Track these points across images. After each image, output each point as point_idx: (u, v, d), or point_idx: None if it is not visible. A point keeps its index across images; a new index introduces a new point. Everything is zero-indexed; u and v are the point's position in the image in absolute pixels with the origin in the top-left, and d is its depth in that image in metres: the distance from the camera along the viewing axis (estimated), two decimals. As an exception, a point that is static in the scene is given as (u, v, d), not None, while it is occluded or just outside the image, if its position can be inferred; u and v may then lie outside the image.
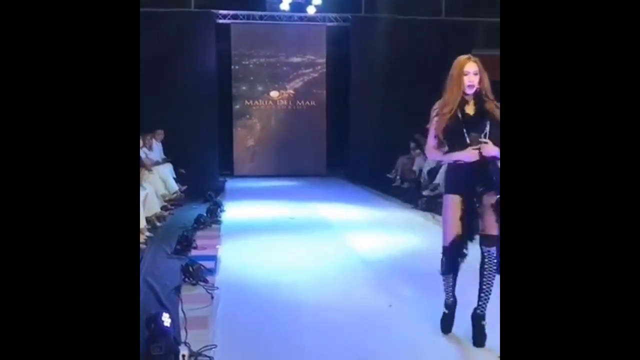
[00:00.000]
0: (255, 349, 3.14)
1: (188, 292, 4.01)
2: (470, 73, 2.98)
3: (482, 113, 3.01)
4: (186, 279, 4.21)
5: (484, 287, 3.08)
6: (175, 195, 8.27)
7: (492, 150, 2.95)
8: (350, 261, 5.15)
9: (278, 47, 12.29)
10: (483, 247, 3.03)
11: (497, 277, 3.05)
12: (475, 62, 3.01)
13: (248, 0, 12.11)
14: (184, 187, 8.71)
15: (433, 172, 8.69)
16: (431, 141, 3.14)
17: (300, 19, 11.94)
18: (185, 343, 3.00)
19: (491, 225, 2.99)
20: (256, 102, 12.43)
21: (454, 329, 3.23)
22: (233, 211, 7.73)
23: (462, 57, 3.04)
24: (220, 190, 9.88)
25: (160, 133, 9.22)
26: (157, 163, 8.50)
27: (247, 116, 12.46)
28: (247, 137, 12.47)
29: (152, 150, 8.73)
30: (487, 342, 3.08)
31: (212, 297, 3.92)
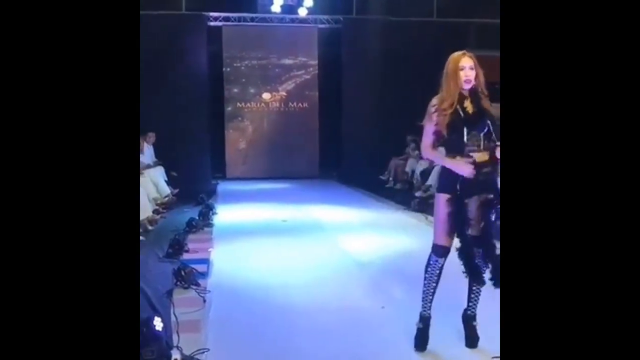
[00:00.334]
0: (248, 352, 3.12)
1: (180, 295, 3.99)
2: (466, 68, 2.92)
3: (481, 111, 2.95)
4: (178, 283, 4.18)
5: (474, 287, 3.08)
6: (167, 198, 8.23)
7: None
8: (343, 263, 5.14)
9: (270, 49, 12.29)
10: (473, 247, 3.02)
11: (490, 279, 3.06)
12: (470, 57, 2.95)
13: (239, 3, 12.10)
14: (176, 190, 8.67)
15: (426, 174, 8.71)
16: (428, 139, 3.04)
17: (292, 20, 11.94)
18: (178, 347, 2.98)
19: (481, 226, 2.97)
20: (248, 104, 12.42)
21: (446, 330, 3.22)
22: (225, 214, 7.71)
23: (457, 53, 2.98)
24: (212, 193, 9.86)
25: (151, 136, 9.18)
26: (148, 166, 8.46)
27: (239, 118, 12.44)
28: (239, 139, 12.45)
29: (143, 153, 8.68)
30: (480, 343, 3.09)
31: (205, 301, 3.90)
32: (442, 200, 2.99)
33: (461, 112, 2.92)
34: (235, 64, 12.30)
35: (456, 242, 3.03)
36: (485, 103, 2.98)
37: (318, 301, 4.00)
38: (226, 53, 12.13)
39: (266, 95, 12.46)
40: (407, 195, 8.71)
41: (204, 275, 4.50)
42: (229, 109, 12.35)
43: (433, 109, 2.97)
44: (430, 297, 3.06)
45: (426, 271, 3.05)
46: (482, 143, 2.93)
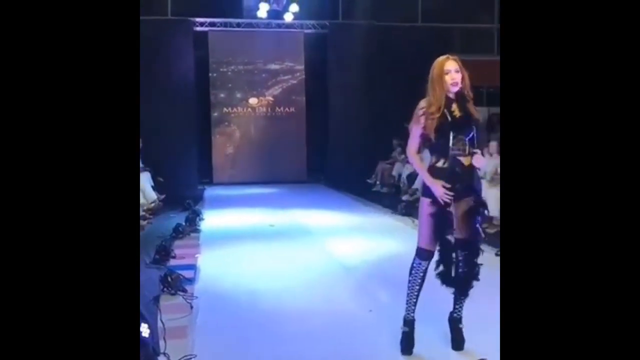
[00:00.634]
0: (235, 358, 3.12)
1: (167, 302, 3.96)
2: (451, 71, 2.92)
3: (467, 115, 2.96)
4: (165, 289, 4.16)
5: (458, 290, 3.09)
6: (153, 204, 8.18)
7: (482, 162, 2.95)
8: (330, 267, 5.15)
9: (256, 54, 12.29)
10: (458, 251, 3.04)
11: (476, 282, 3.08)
12: (454, 60, 2.96)
13: (225, 8, 12.09)
14: (162, 196, 8.62)
15: (412, 177, 8.75)
16: (413, 142, 3.04)
17: (278, 26, 11.96)
18: (165, 353, 2.97)
19: (465, 230, 3.00)
20: (235, 109, 12.41)
21: (432, 333, 3.24)
22: (212, 219, 7.69)
23: (441, 58, 2.99)
24: (199, 198, 9.82)
25: (137, 141, 9.12)
26: (134, 172, 8.40)
27: (226, 123, 12.42)
28: (226, 144, 12.43)
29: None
30: (466, 346, 3.11)
31: (192, 307, 3.88)
32: (426, 204, 3.01)
33: (449, 116, 2.93)
34: (221, 69, 12.29)
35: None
36: (471, 107, 3.00)
37: (305, 305, 4.00)
38: (212, 58, 12.12)
39: (253, 100, 12.46)
40: (393, 199, 8.76)
41: (191, 281, 4.48)
42: (216, 114, 12.33)
43: (421, 112, 2.97)
44: (414, 300, 3.07)
45: (410, 274, 3.07)
46: (467, 148, 2.94)
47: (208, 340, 3.34)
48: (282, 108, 12.56)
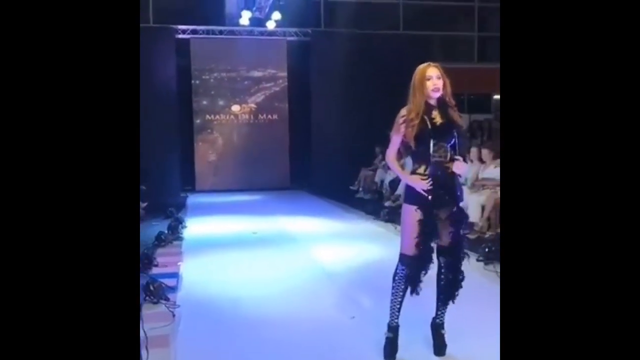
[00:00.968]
0: (218, 366, 3.10)
1: (149, 310, 3.93)
2: (433, 77, 2.94)
3: (448, 122, 2.97)
4: (147, 298, 4.13)
5: (441, 296, 3.12)
6: (135, 212, 8.11)
7: (462, 168, 2.97)
8: (313, 274, 5.15)
9: (238, 61, 12.29)
10: (440, 258, 3.07)
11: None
12: (436, 67, 2.98)
13: (207, 15, 12.08)
14: (145, 204, 8.55)
15: (394, 183, 8.80)
16: (392, 149, 3.07)
17: (261, 33, 11.97)
18: (146, 363, 2.95)
19: (448, 237, 3.02)
20: (217, 116, 12.38)
21: (414, 339, 3.26)
22: (195, 227, 7.64)
23: (423, 65, 3.00)
24: (181, 206, 9.76)
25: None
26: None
27: (209, 131, 12.38)
28: (208, 151, 12.38)
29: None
30: (447, 351, 3.13)
31: (174, 315, 3.86)
32: (408, 211, 3.03)
33: (428, 123, 2.95)
34: (204, 77, 12.26)
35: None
36: (454, 114, 3.01)
37: (288, 313, 4.00)
38: (194, 65, 12.09)
39: (235, 108, 12.45)
40: (376, 205, 8.78)
41: (174, 289, 4.45)
42: (198, 121, 12.29)
43: (401, 120, 2.99)
44: (398, 307, 3.09)
45: (393, 280, 3.08)
46: (448, 154, 2.97)
47: (190, 349, 3.32)
48: (264, 115, 12.56)
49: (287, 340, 3.44)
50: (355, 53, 11.38)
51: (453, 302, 3.12)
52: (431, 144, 2.94)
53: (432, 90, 2.94)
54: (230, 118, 12.45)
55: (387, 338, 3.11)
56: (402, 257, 3.06)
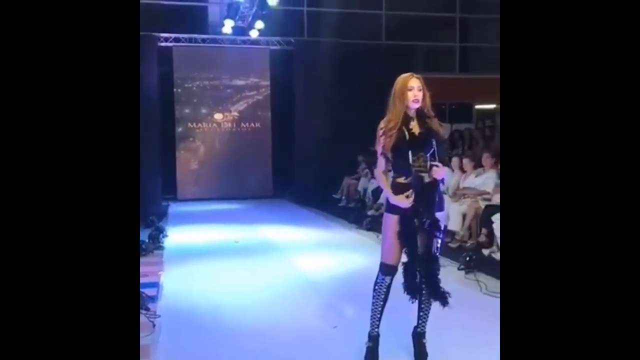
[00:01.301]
0: (199, 377, 3.07)
1: (129, 321, 3.89)
2: (414, 88, 2.96)
3: (427, 131, 2.99)
4: (127, 308, 4.08)
5: (423, 305, 3.13)
6: (115, 221, 8.02)
7: (442, 173, 2.98)
8: (295, 283, 5.14)
9: (221, 69, 12.27)
10: (420, 267, 3.08)
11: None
12: (418, 79, 3.01)
13: (190, 24, 12.05)
14: (125, 213, 8.46)
15: (377, 192, 8.83)
16: (380, 163, 3.09)
17: (244, 42, 11.97)
18: (126, 374, 2.90)
19: (426, 245, 3.04)
20: (200, 124, 12.33)
21: (395, 348, 3.26)
22: (176, 236, 7.58)
23: (405, 75, 3.03)
24: (163, 214, 9.67)
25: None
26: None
27: (191, 139, 12.32)
28: (190, 160, 12.31)
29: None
30: None
31: (154, 325, 3.82)
32: (389, 220, 3.04)
33: (406, 134, 2.97)
34: (186, 85, 12.21)
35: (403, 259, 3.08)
36: (433, 124, 3.03)
37: (270, 323, 3.98)
38: (177, 73, 12.04)
39: (218, 116, 12.41)
40: (359, 214, 8.80)
41: (154, 299, 4.40)
42: (180, 129, 12.23)
43: (381, 132, 3.02)
44: (379, 316, 3.09)
45: (374, 290, 3.09)
46: (427, 164, 2.98)
47: (171, 359, 3.29)
48: (247, 123, 12.54)
49: (269, 350, 3.43)
50: (338, 62, 11.43)
51: (446, 304, 3.09)
52: (410, 154, 2.96)
53: (412, 101, 2.97)
54: (213, 126, 12.41)
55: (367, 347, 3.11)
56: (382, 266, 3.07)
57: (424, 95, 3.00)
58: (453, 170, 7.25)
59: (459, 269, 5.29)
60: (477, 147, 9.12)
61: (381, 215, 3.22)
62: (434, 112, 3.08)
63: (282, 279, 5.28)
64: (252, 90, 12.52)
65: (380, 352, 3.10)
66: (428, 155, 2.98)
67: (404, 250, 3.01)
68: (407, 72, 3.08)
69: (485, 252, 5.80)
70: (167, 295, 4.66)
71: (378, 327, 3.10)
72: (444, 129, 3.17)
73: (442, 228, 3.06)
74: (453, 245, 6.28)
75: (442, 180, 3.10)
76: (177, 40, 11.80)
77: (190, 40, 11.88)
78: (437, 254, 3.06)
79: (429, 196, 2.99)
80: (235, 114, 12.47)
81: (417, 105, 2.99)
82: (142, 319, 3.94)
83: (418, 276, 3.03)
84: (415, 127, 3.00)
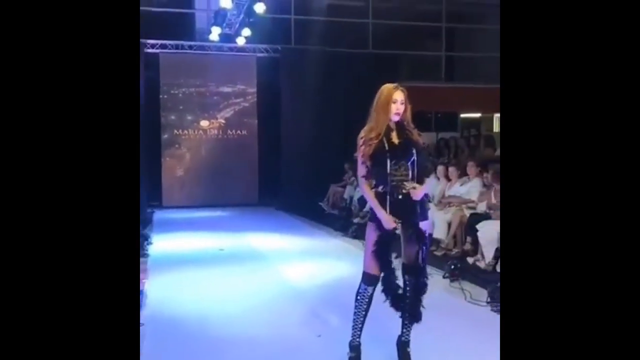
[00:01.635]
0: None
1: (111, 329, 3.84)
2: (397, 101, 2.98)
3: (406, 142, 3.00)
4: (109, 316, 4.03)
5: (407, 314, 3.12)
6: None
7: (420, 194, 2.99)
8: (281, 291, 5.12)
9: (208, 76, 12.24)
10: (405, 276, 3.08)
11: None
12: (402, 91, 3.02)
13: (177, 30, 12.02)
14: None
15: (363, 200, 8.83)
16: (361, 172, 3.08)
17: (230, 49, 11.96)
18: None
19: (412, 255, 3.04)
20: (185, 131, 12.27)
21: (380, 357, 3.25)
22: (161, 243, 7.53)
23: (390, 85, 3.03)
24: (147, 221, 9.59)
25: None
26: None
27: (176, 146, 12.26)
28: (176, 166, 12.25)
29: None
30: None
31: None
32: (372, 229, 3.04)
33: (386, 144, 2.98)
34: (172, 91, 12.16)
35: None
36: (413, 135, 3.04)
37: (255, 331, 3.96)
38: (163, 80, 11.99)
39: (204, 123, 12.37)
40: (345, 222, 8.80)
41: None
42: (166, 136, 12.16)
43: (361, 141, 3.02)
44: (360, 326, 3.08)
45: (356, 300, 3.09)
46: (410, 172, 3.00)
47: (154, 369, 3.25)
48: (233, 131, 12.51)
49: (253, 359, 3.40)
50: (325, 70, 11.46)
51: (417, 320, 3.10)
52: (389, 164, 2.97)
53: (394, 114, 2.99)
54: (199, 133, 12.36)
55: (349, 358, 3.10)
56: (365, 276, 3.07)
57: (405, 108, 3.02)
58: (439, 179, 7.29)
59: (444, 277, 5.31)
60: (463, 155, 9.18)
61: (367, 223, 3.22)
62: (416, 123, 3.10)
63: (268, 287, 5.26)
64: (238, 98, 12.50)
65: (365, 361, 3.10)
66: (409, 163, 3.00)
67: (384, 260, 3.00)
68: (393, 80, 3.09)
69: (470, 260, 5.82)
70: (150, 304, 4.62)
71: (360, 337, 3.10)
72: (423, 138, 3.18)
73: (427, 237, 3.06)
74: (438, 253, 6.30)
75: (426, 195, 3.11)
76: (163, 46, 11.76)
77: (177, 46, 11.85)
78: (423, 264, 3.06)
79: (408, 205, 2.99)
80: (222, 121, 12.44)
81: (397, 118, 3.01)
82: (125, 327, 3.91)
83: (400, 288, 3.02)
84: (395, 137, 3.02)
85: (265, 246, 7.48)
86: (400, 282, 3.06)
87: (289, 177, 11.96)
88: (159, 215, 10.81)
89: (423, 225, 3.04)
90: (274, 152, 12.26)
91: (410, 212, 3.00)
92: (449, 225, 6.48)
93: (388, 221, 2.95)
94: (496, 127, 13.21)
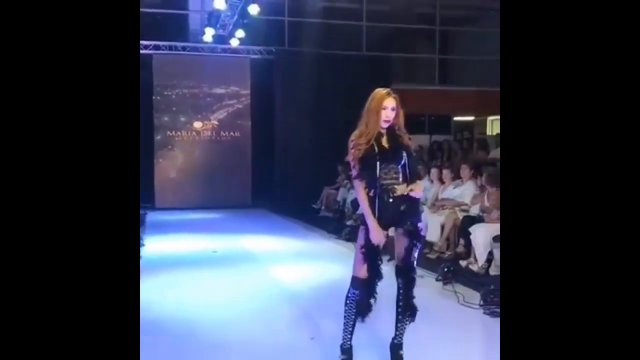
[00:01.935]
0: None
1: (102, 332, 3.81)
2: (388, 108, 2.97)
3: (396, 146, 3.00)
4: (101, 319, 4.00)
5: (400, 317, 3.12)
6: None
7: (419, 193, 3.00)
8: (274, 293, 5.10)
9: (201, 78, 12.22)
10: (398, 279, 3.08)
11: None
12: (394, 98, 3.00)
13: (170, 31, 12.00)
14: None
15: (356, 203, 8.82)
16: (354, 173, 3.08)
17: (224, 50, 11.95)
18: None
19: (405, 257, 3.03)
20: (178, 132, 12.24)
21: (372, 358, 3.24)
22: (153, 245, 7.48)
23: (382, 91, 3.02)
24: (140, 223, 9.55)
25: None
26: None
27: (169, 147, 12.22)
28: (169, 168, 12.21)
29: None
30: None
31: (129, 337, 3.74)
32: (362, 234, 3.04)
33: (376, 147, 2.98)
34: (165, 93, 12.13)
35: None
36: (403, 139, 3.04)
37: (247, 333, 3.94)
38: (156, 81, 11.96)
39: (197, 124, 12.34)
40: (338, 224, 8.80)
41: (129, 310, 4.32)
42: (159, 137, 12.12)
43: (351, 145, 3.02)
44: (351, 329, 3.08)
45: (345, 304, 3.08)
46: (400, 175, 2.99)
47: (145, 372, 3.22)
48: (227, 132, 12.49)
49: (245, 362, 3.38)
50: (319, 72, 11.47)
51: (412, 320, 3.09)
52: (378, 167, 2.96)
53: (384, 120, 2.98)
54: (192, 135, 12.33)
55: None
56: (353, 280, 3.07)
57: (397, 114, 3.00)
58: (432, 182, 7.30)
59: (437, 279, 5.31)
60: (456, 158, 9.20)
61: (360, 225, 3.21)
62: (409, 126, 3.09)
63: (260, 289, 5.24)
64: (232, 99, 12.48)
65: (357, 365, 3.09)
66: (399, 167, 2.99)
67: (370, 264, 3.00)
68: (387, 83, 3.08)
69: (463, 263, 5.83)
70: (142, 306, 4.56)
71: (351, 340, 3.09)
72: (412, 142, 3.18)
73: (421, 236, 3.07)
74: (431, 256, 6.30)
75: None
76: (157, 47, 11.73)
77: (170, 48, 11.82)
78: (415, 264, 3.06)
79: (399, 209, 2.98)
80: (215, 122, 12.42)
81: (387, 125, 3.01)
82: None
83: (373, 299, 3.02)
84: (385, 141, 3.01)
85: (258, 248, 7.46)
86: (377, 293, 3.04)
87: (282, 179, 11.95)
88: (151, 217, 10.74)
89: (418, 225, 3.03)
90: (268, 154, 12.25)
91: (402, 215, 2.99)
92: (442, 227, 6.49)
93: (376, 235, 2.94)
94: (489, 130, 13.27)
